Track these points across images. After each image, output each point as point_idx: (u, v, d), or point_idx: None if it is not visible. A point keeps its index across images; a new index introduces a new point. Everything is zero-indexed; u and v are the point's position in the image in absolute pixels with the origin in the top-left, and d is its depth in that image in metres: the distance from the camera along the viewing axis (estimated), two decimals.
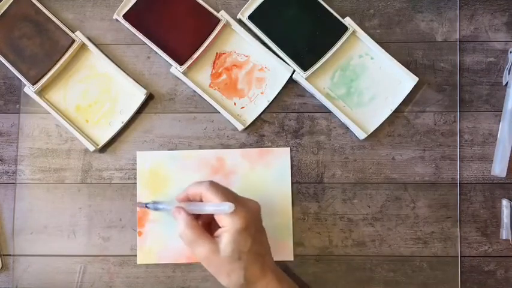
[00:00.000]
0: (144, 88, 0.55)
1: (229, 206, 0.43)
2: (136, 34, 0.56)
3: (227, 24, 0.57)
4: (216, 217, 0.45)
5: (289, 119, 0.57)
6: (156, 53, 0.56)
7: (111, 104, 0.57)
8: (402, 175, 0.56)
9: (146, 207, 0.48)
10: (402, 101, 0.56)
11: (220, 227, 0.44)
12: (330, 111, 0.56)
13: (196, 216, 0.46)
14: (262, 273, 0.45)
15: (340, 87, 0.57)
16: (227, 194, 0.45)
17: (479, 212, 0.55)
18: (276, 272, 0.46)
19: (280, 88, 0.56)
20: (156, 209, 0.48)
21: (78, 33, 0.56)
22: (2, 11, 0.56)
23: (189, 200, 0.46)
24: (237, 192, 0.55)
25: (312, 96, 0.56)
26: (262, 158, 0.56)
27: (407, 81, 0.56)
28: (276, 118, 0.57)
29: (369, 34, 0.56)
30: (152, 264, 0.55)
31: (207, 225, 0.47)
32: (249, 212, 0.44)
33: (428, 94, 0.57)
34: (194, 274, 0.55)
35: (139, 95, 0.56)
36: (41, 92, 0.56)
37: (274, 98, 0.56)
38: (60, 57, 0.55)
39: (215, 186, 0.45)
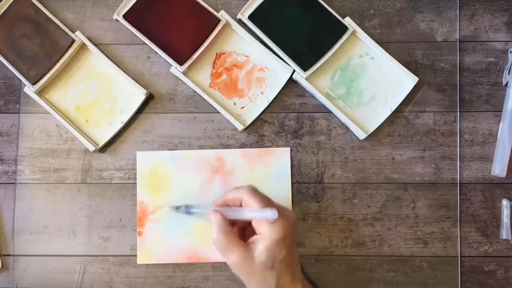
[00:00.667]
0: (144, 88, 0.55)
1: (272, 213, 0.42)
2: (136, 34, 0.56)
3: (227, 24, 0.57)
4: (253, 223, 0.44)
5: (289, 119, 0.57)
6: (156, 53, 0.56)
7: (111, 104, 0.57)
8: (402, 175, 0.56)
9: (177, 209, 0.48)
10: (402, 101, 0.56)
11: (254, 234, 0.44)
12: (330, 111, 0.56)
13: (232, 223, 0.45)
14: (293, 283, 0.44)
15: (340, 87, 0.57)
16: (267, 201, 0.44)
17: (479, 212, 0.55)
18: (304, 283, 0.46)
19: (280, 88, 0.56)
20: (188, 213, 0.47)
21: (78, 33, 0.56)
22: (2, 11, 0.56)
23: (227, 205, 0.45)
24: None
25: (312, 96, 0.56)
26: (262, 158, 0.56)
27: (407, 81, 0.56)
28: (276, 118, 0.57)
29: (369, 34, 0.56)
30: (152, 264, 0.55)
31: (241, 231, 0.46)
32: (288, 222, 0.44)
33: (428, 94, 0.57)
34: (194, 274, 0.55)
35: (139, 95, 0.56)
36: (41, 92, 0.56)
37: (274, 98, 0.56)
38: (60, 57, 0.55)
39: (256, 191, 0.44)
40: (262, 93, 0.57)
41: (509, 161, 0.55)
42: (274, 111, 0.57)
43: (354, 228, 0.55)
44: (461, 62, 0.57)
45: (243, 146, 0.56)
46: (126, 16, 0.56)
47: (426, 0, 0.58)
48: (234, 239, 0.43)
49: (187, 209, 0.47)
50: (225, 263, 0.54)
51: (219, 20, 0.56)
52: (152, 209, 0.55)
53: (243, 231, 0.46)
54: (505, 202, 0.55)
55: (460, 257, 0.55)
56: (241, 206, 0.45)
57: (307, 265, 0.55)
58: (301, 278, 0.46)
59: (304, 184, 0.56)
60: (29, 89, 0.55)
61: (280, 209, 0.44)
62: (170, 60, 0.55)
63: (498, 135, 0.56)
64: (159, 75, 0.57)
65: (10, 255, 0.55)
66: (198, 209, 0.47)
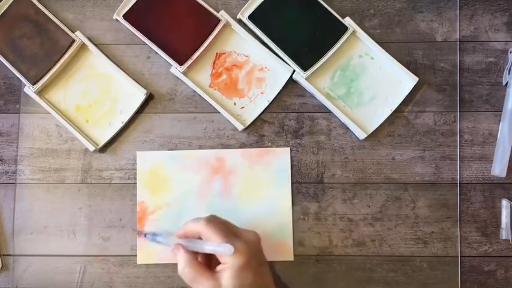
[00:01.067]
0: (144, 88, 0.55)
1: (229, 249, 0.42)
2: (137, 34, 0.56)
3: (227, 24, 0.57)
4: (216, 254, 0.44)
5: (289, 119, 0.57)
6: (156, 53, 0.56)
7: (111, 104, 0.57)
8: (402, 175, 0.56)
9: (145, 236, 0.48)
10: (402, 101, 0.56)
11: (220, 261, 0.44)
12: (330, 111, 0.56)
13: (196, 251, 0.45)
14: None
15: (340, 87, 0.57)
16: (225, 231, 0.44)
17: (479, 212, 0.55)
18: None
19: (280, 88, 0.56)
20: (154, 241, 0.47)
21: (78, 33, 0.56)
22: (2, 11, 0.56)
23: (187, 237, 0.45)
24: (237, 192, 0.55)
25: (312, 96, 0.56)
26: (262, 158, 0.56)
27: (407, 81, 0.56)
28: (276, 118, 0.57)
29: (369, 34, 0.56)
30: (152, 264, 0.55)
31: (208, 258, 0.46)
32: (249, 246, 0.44)
33: (428, 94, 0.57)
34: None
35: (139, 95, 0.56)
36: (41, 92, 0.56)
37: (274, 98, 0.56)
38: (60, 57, 0.55)
39: (213, 223, 0.44)
40: (262, 93, 0.57)
41: (509, 161, 0.55)
42: (274, 111, 0.57)
43: (354, 228, 0.55)
44: (461, 62, 0.57)
45: (243, 146, 0.56)
46: (126, 16, 0.56)
47: (426, 0, 0.58)
48: (201, 271, 0.43)
49: (153, 237, 0.47)
50: None
51: (219, 20, 0.56)
52: (152, 209, 0.55)
53: (209, 256, 0.46)
54: (505, 202, 0.55)
55: (460, 257, 0.55)
56: (200, 238, 0.45)
57: (307, 265, 0.55)
58: None
59: (304, 184, 0.56)
60: (29, 89, 0.55)
61: (241, 234, 0.45)
62: (170, 60, 0.55)
63: (498, 135, 0.56)
64: (159, 75, 0.57)
65: (10, 255, 0.55)
66: (163, 239, 0.46)
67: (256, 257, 0.44)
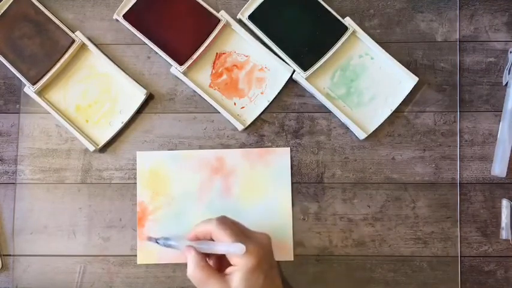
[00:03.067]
0: (144, 88, 0.55)
1: (240, 248, 0.41)
2: (137, 34, 0.56)
3: (227, 24, 0.57)
4: (227, 255, 0.44)
5: (289, 119, 0.57)
6: (156, 53, 0.56)
7: (111, 104, 0.57)
8: (402, 175, 0.56)
9: (157, 242, 0.47)
10: (402, 101, 0.56)
11: (231, 264, 0.43)
12: (330, 111, 0.56)
13: (207, 254, 0.45)
14: None
15: (340, 87, 0.57)
16: (237, 231, 0.43)
17: (479, 212, 0.55)
18: None
19: (280, 88, 0.56)
20: (166, 246, 0.47)
21: (78, 33, 0.56)
22: (2, 11, 0.56)
23: (198, 238, 0.45)
24: (237, 192, 0.55)
25: (312, 96, 0.56)
26: (262, 158, 0.56)
27: (407, 81, 0.56)
28: (276, 118, 0.57)
29: (369, 34, 0.56)
30: (152, 264, 0.55)
31: (218, 261, 0.46)
32: (261, 248, 0.43)
33: (428, 94, 0.57)
34: None
35: (139, 95, 0.56)
36: (41, 92, 0.56)
37: (274, 98, 0.56)
38: (60, 57, 0.55)
39: (224, 223, 0.44)
40: (262, 93, 0.57)
41: (509, 161, 0.55)
42: (274, 111, 0.57)
43: (354, 228, 0.55)
44: (461, 62, 0.57)
45: (243, 146, 0.56)
46: (126, 16, 0.56)
47: (426, 0, 0.58)
48: (210, 272, 0.43)
49: (165, 242, 0.47)
50: None
51: (219, 20, 0.56)
52: (152, 209, 0.55)
53: (219, 260, 0.46)
54: (505, 202, 0.55)
55: (460, 257, 0.55)
56: (211, 239, 0.44)
57: (307, 265, 0.55)
58: None
59: (304, 184, 0.56)
60: (29, 89, 0.55)
61: (252, 236, 0.44)
62: (170, 60, 0.55)
63: (498, 135, 0.56)
64: (159, 75, 0.57)
65: (10, 255, 0.55)
66: (174, 242, 0.46)
67: (267, 260, 0.44)
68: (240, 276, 0.42)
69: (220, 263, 0.45)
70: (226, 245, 0.43)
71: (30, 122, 0.57)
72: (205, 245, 0.44)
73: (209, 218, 0.45)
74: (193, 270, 0.43)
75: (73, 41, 0.55)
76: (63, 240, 0.56)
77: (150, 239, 0.48)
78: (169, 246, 0.46)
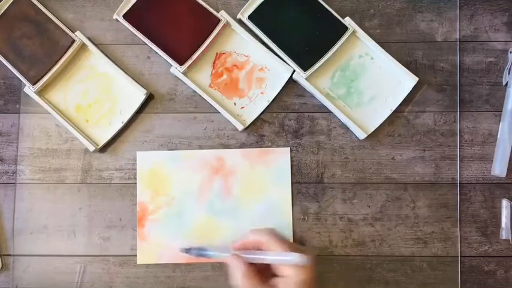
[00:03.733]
0: (144, 88, 0.55)
1: (301, 259, 0.41)
2: (137, 34, 0.56)
3: (227, 24, 0.57)
4: (276, 266, 0.43)
5: (289, 119, 0.57)
6: (156, 53, 0.56)
7: (111, 104, 0.57)
8: (402, 175, 0.56)
9: (187, 252, 0.47)
10: (402, 101, 0.56)
11: (270, 274, 0.43)
12: (330, 111, 0.56)
13: (251, 264, 0.44)
14: None
15: (340, 87, 0.57)
16: (288, 243, 0.43)
17: (479, 212, 0.55)
18: None
19: (280, 88, 0.56)
20: (200, 256, 0.46)
21: (78, 33, 0.56)
22: (2, 11, 0.56)
23: (246, 248, 0.44)
24: (237, 192, 0.56)
25: (312, 96, 0.56)
26: (262, 158, 0.56)
27: (407, 81, 0.56)
28: (276, 118, 0.57)
29: (369, 34, 0.56)
30: (152, 264, 0.55)
31: (261, 272, 0.44)
32: (313, 262, 0.42)
33: (428, 94, 0.57)
34: (194, 274, 0.55)
35: (139, 95, 0.56)
36: (41, 92, 0.56)
37: (274, 98, 0.56)
38: (60, 57, 0.55)
39: (277, 234, 0.44)
40: (262, 93, 0.57)
41: (509, 161, 0.55)
42: (274, 111, 0.57)
43: (354, 228, 0.55)
44: (461, 62, 0.57)
45: (243, 146, 0.56)
46: (126, 16, 0.56)
47: (426, 0, 0.58)
48: (258, 281, 0.42)
49: (199, 252, 0.46)
50: (225, 262, 0.54)
51: (219, 20, 0.56)
52: (152, 209, 0.55)
53: (261, 271, 0.44)
54: (505, 202, 0.55)
55: (460, 257, 0.55)
56: (260, 249, 0.44)
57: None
58: None
59: (304, 184, 0.56)
60: (29, 89, 0.55)
61: (301, 250, 0.43)
62: (170, 60, 0.55)
63: (498, 135, 0.56)
64: (159, 75, 0.57)
65: (10, 255, 0.55)
66: (214, 252, 0.46)
67: (315, 276, 0.43)
68: (291, 287, 0.41)
69: (262, 274, 0.44)
70: (284, 255, 0.42)
71: (30, 122, 0.57)
72: (255, 255, 0.43)
73: (257, 228, 0.45)
74: (241, 279, 0.42)
75: (73, 41, 0.55)
76: (63, 240, 0.56)
77: (181, 249, 0.48)
78: (203, 256, 0.46)
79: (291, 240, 0.55)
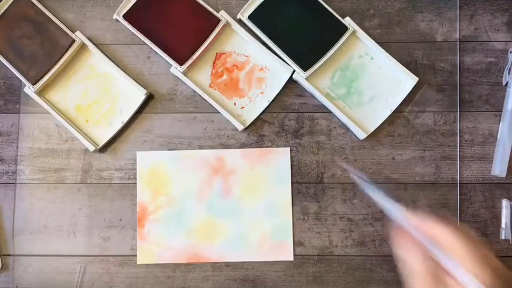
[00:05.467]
0: (144, 88, 0.55)
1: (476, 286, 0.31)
2: (137, 34, 0.56)
3: (227, 24, 0.57)
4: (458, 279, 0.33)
5: (289, 119, 0.57)
6: (156, 53, 0.56)
7: (111, 104, 0.57)
8: (402, 175, 0.56)
9: (361, 178, 0.39)
10: (402, 101, 0.56)
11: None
12: (330, 111, 0.56)
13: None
14: None
15: (340, 87, 0.57)
16: (482, 258, 0.32)
17: (479, 212, 0.55)
18: None
19: (280, 88, 0.56)
20: (369, 191, 0.39)
21: (78, 33, 0.56)
22: (2, 11, 0.56)
23: (420, 229, 0.35)
24: (237, 192, 0.55)
25: (312, 96, 0.56)
26: (262, 158, 0.56)
27: (407, 81, 0.56)
28: (276, 118, 0.57)
29: (369, 34, 0.56)
30: (152, 264, 0.55)
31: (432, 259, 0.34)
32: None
33: (428, 94, 0.57)
34: (194, 274, 0.55)
35: (139, 95, 0.56)
36: (41, 92, 0.56)
37: (274, 98, 0.56)
38: (60, 57, 0.55)
39: (468, 241, 0.33)
40: (262, 93, 0.57)
41: (509, 161, 0.55)
42: (274, 111, 0.57)
43: (354, 228, 0.55)
44: (461, 62, 0.57)
45: (243, 146, 0.56)
46: (126, 16, 0.56)
47: (426, 0, 0.58)
48: (437, 282, 0.33)
49: (372, 189, 0.39)
50: (225, 263, 0.54)
51: (219, 20, 0.56)
52: (152, 209, 0.55)
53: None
54: (505, 202, 0.55)
55: None
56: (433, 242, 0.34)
57: (307, 265, 0.55)
58: None
59: (304, 184, 0.56)
60: (29, 89, 0.55)
61: (498, 270, 0.33)
62: (170, 60, 0.55)
63: (498, 135, 0.56)
64: (159, 75, 0.57)
65: (10, 255, 0.55)
66: (386, 202, 0.38)
67: None
68: None
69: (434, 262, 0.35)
70: (463, 273, 0.32)
71: (30, 122, 0.57)
72: (433, 247, 0.34)
73: (445, 216, 0.35)
74: (424, 278, 0.33)
75: (73, 41, 0.55)
76: (63, 240, 0.56)
77: (356, 176, 0.39)
78: (381, 202, 0.39)
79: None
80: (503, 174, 0.55)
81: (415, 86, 0.55)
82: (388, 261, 0.55)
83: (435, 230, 0.35)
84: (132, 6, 0.56)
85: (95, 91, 0.57)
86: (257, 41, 0.56)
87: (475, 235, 0.36)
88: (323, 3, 0.56)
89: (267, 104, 0.56)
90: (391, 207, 0.38)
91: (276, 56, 0.56)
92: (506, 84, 0.56)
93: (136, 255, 0.55)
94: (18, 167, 0.57)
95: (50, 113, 0.55)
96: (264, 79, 0.57)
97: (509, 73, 0.55)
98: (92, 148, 0.55)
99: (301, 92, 0.57)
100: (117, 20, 0.56)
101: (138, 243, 0.55)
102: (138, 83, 0.56)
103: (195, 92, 0.56)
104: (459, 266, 0.33)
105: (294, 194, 0.56)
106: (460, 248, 0.33)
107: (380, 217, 0.55)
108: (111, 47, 0.58)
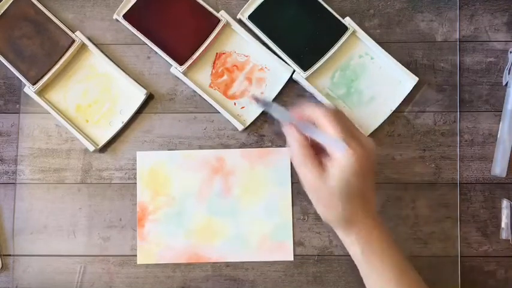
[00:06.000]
0: (144, 88, 0.55)
1: (342, 148, 0.39)
2: (137, 34, 0.56)
3: (227, 24, 0.57)
4: (327, 147, 0.41)
5: None
6: (156, 53, 0.56)
7: (111, 104, 0.57)
8: (402, 175, 0.56)
9: (257, 102, 0.45)
10: (402, 101, 0.56)
11: (327, 153, 0.41)
12: None
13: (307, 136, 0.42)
14: (364, 217, 0.42)
15: (340, 87, 0.57)
16: (343, 127, 0.40)
17: (479, 212, 0.55)
18: (377, 219, 0.43)
19: (280, 88, 0.56)
20: (266, 110, 0.45)
21: (78, 33, 0.56)
22: (2, 11, 0.56)
23: (303, 118, 0.42)
24: (237, 192, 0.55)
25: (312, 96, 0.56)
26: (262, 158, 0.56)
27: (407, 81, 0.56)
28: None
29: (369, 34, 0.56)
30: (152, 264, 0.55)
31: (315, 146, 0.43)
32: (364, 151, 0.40)
33: (428, 94, 0.57)
34: (194, 274, 0.55)
35: (139, 95, 0.56)
36: (41, 92, 0.56)
37: (274, 98, 0.56)
38: (60, 57, 0.55)
39: (333, 115, 0.41)
40: (262, 93, 0.57)
41: (509, 161, 0.55)
42: None
43: None
44: (461, 62, 0.57)
45: (243, 146, 0.56)
46: (126, 16, 0.56)
47: (426, 0, 0.58)
48: (312, 155, 0.41)
49: (267, 107, 0.44)
50: (225, 263, 0.54)
51: (219, 20, 0.56)
52: (152, 209, 0.55)
53: (314, 145, 0.43)
54: (505, 202, 0.55)
55: (460, 257, 0.55)
56: (314, 124, 0.42)
57: (307, 265, 0.55)
58: (374, 212, 0.44)
59: None
60: (29, 89, 0.55)
61: (358, 136, 0.41)
62: (170, 60, 0.55)
63: (498, 135, 0.56)
64: (159, 75, 0.57)
65: (10, 255, 0.55)
66: (276, 113, 0.43)
67: (367, 165, 0.41)
68: (339, 175, 0.40)
69: (316, 148, 0.43)
70: (329, 139, 0.40)
71: (30, 122, 0.57)
72: (309, 129, 0.41)
73: (321, 103, 0.43)
74: (298, 150, 0.41)
75: (73, 41, 0.55)
76: (63, 240, 0.56)
77: (252, 96, 0.46)
78: (269, 112, 0.44)
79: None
80: (503, 174, 0.55)
81: (415, 86, 0.55)
82: None
83: (309, 113, 0.42)
84: (132, 6, 0.56)
85: (95, 91, 0.57)
86: (257, 41, 0.56)
87: (342, 112, 0.43)
88: (323, 3, 0.56)
89: None
90: (281, 110, 0.43)
91: (276, 56, 0.56)
92: (506, 84, 0.56)
93: (136, 255, 0.55)
94: (18, 167, 0.57)
95: (50, 113, 0.55)
96: (264, 79, 0.57)
97: (509, 73, 0.56)
98: (92, 148, 0.55)
99: (301, 92, 0.57)
100: (117, 20, 0.56)
101: (138, 243, 0.55)
102: (138, 83, 0.56)
103: (195, 92, 0.56)
104: (326, 134, 0.40)
105: (294, 194, 0.56)
106: (329, 123, 0.40)
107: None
108: (111, 47, 0.58)
